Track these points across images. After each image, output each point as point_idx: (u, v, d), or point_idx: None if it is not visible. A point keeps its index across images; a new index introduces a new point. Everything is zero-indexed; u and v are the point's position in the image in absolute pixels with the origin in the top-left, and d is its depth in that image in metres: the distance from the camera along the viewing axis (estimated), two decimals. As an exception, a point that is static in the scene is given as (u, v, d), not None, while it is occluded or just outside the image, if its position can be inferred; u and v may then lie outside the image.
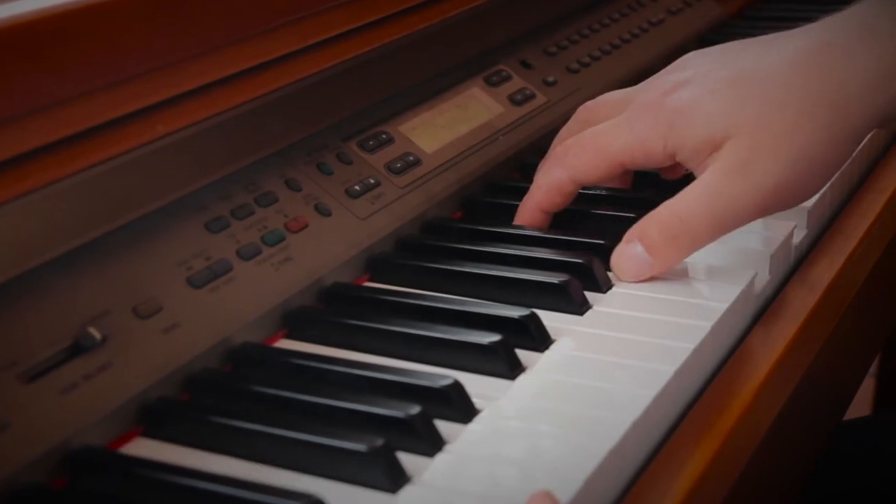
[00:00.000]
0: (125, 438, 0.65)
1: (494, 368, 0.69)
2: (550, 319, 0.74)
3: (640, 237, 0.79)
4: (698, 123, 0.79)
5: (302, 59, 0.84)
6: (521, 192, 0.94)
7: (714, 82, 0.80)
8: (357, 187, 0.85)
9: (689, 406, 0.69)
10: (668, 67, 0.86)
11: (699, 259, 0.79)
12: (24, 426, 0.60)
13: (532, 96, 1.05)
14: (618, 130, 0.83)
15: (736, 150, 0.77)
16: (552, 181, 0.86)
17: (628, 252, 0.79)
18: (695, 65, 0.83)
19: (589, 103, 0.90)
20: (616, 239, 0.80)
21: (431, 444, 0.62)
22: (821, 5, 1.44)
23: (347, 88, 0.89)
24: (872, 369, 1.83)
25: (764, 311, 0.79)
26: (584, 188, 0.87)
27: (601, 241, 0.82)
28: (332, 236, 0.80)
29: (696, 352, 0.70)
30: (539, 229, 0.86)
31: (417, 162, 0.91)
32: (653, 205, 0.79)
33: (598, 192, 0.91)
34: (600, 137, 0.84)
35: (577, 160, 0.85)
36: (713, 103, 0.79)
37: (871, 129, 0.79)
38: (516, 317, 0.72)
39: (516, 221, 0.88)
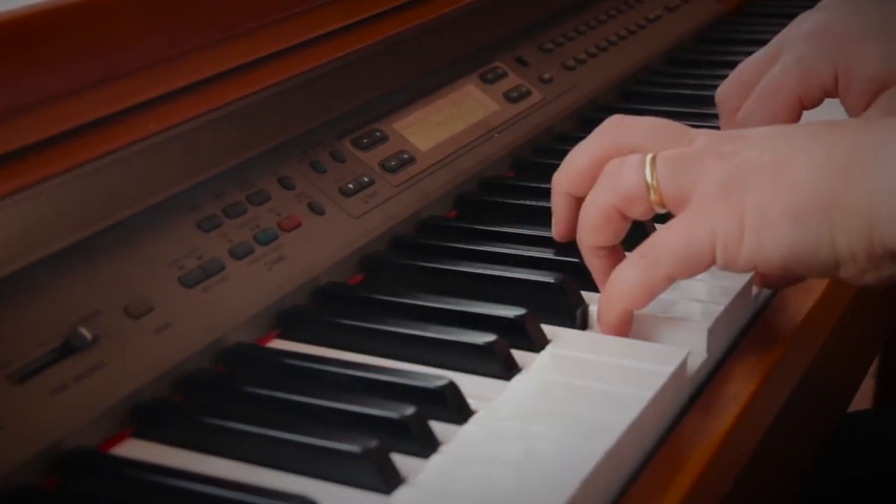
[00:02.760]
0: (117, 439, 0.64)
1: (489, 369, 0.69)
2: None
3: None
4: (871, 59, 0.82)
5: (295, 56, 0.83)
6: (517, 191, 0.94)
7: None
8: (351, 186, 0.84)
9: (688, 406, 0.69)
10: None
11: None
12: (14, 427, 0.60)
13: (528, 93, 1.05)
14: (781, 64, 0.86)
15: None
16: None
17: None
18: None
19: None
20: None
21: (426, 446, 0.61)
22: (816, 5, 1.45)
23: (341, 85, 0.88)
24: (872, 369, 1.83)
25: (762, 311, 0.79)
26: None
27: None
28: (325, 235, 0.80)
29: (694, 354, 0.70)
30: (536, 228, 0.86)
31: (412, 160, 0.90)
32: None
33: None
34: (768, 86, 0.87)
35: (760, 102, 0.86)
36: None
37: None
38: (512, 316, 0.72)
39: None
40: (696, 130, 0.73)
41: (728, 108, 0.90)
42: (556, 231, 0.79)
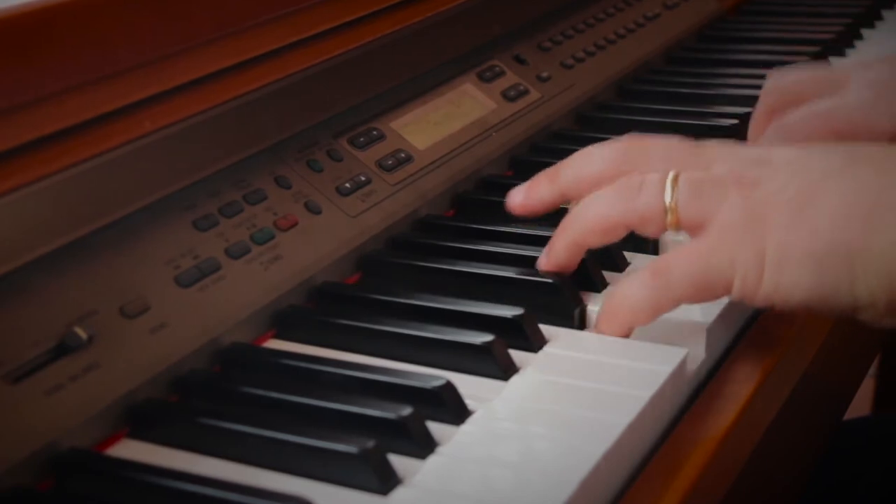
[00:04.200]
0: (112, 440, 0.64)
1: (487, 369, 0.68)
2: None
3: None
4: None
5: (292, 55, 0.83)
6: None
7: None
8: (348, 185, 0.84)
9: (687, 407, 0.68)
10: None
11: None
12: (9, 428, 0.60)
13: (526, 92, 1.04)
14: (842, 102, 0.85)
15: None
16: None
17: None
18: None
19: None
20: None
21: (423, 446, 0.61)
22: (815, 3, 1.45)
23: (338, 84, 0.88)
24: (872, 369, 1.83)
25: (761, 311, 0.78)
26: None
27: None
28: (322, 235, 0.80)
29: (693, 354, 0.70)
30: (533, 227, 0.85)
31: (409, 159, 0.90)
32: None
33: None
34: (822, 110, 0.85)
35: (792, 130, 0.85)
36: None
37: None
38: (510, 316, 0.72)
39: None
40: (712, 150, 0.72)
41: (770, 102, 0.89)
42: (524, 203, 0.78)
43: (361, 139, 0.89)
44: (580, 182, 0.75)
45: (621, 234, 0.73)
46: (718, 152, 0.72)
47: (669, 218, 0.69)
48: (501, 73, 1.04)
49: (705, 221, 0.68)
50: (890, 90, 0.84)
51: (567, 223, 0.74)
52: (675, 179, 0.69)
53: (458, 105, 0.98)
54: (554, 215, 0.83)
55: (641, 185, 0.70)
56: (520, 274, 0.77)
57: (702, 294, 0.68)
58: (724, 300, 0.73)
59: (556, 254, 0.75)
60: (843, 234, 0.64)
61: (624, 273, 0.80)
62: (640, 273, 0.69)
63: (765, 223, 0.66)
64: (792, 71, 0.90)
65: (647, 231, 0.71)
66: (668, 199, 0.69)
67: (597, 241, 0.73)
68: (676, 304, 0.69)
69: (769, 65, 1.10)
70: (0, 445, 0.59)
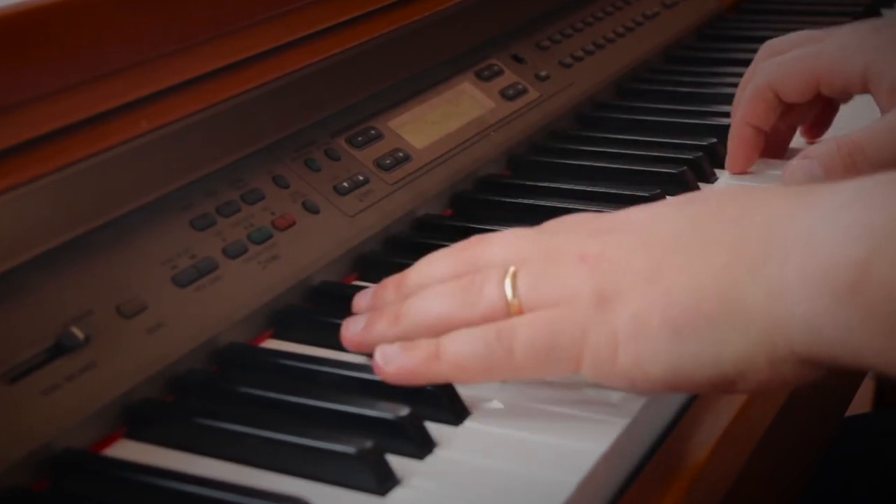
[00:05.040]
0: (109, 440, 0.64)
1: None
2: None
3: (817, 154, 0.82)
4: None
5: (289, 54, 0.83)
6: (514, 189, 0.93)
7: None
8: (345, 184, 0.84)
9: (687, 406, 0.68)
10: None
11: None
12: (5, 428, 0.59)
13: (524, 91, 1.04)
14: (822, 44, 0.88)
15: None
16: (752, 90, 0.89)
17: (805, 167, 0.83)
18: None
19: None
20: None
21: (421, 447, 0.61)
22: (815, 1, 1.44)
23: (336, 83, 0.88)
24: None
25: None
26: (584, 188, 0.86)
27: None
28: (319, 234, 0.80)
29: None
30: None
31: (407, 158, 0.90)
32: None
33: (592, 188, 0.90)
34: (803, 53, 0.89)
35: (779, 68, 0.89)
36: None
37: None
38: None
39: (729, 153, 0.92)
40: (554, 230, 0.67)
41: (761, 57, 0.94)
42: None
43: (359, 138, 0.88)
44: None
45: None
46: (558, 232, 0.66)
47: (514, 313, 0.62)
48: (500, 72, 1.04)
49: (556, 305, 0.62)
50: (862, 40, 0.87)
51: (401, 315, 0.67)
52: (515, 274, 0.63)
53: (457, 104, 0.98)
54: (553, 215, 0.83)
55: (483, 283, 0.64)
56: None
57: (544, 366, 0.61)
58: None
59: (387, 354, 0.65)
60: (702, 293, 0.58)
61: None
62: (481, 328, 0.62)
63: (617, 296, 0.60)
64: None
65: None
66: (509, 294, 0.63)
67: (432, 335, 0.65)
68: (513, 374, 0.62)
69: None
70: (-4, 446, 0.59)
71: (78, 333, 0.64)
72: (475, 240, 0.69)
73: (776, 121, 0.91)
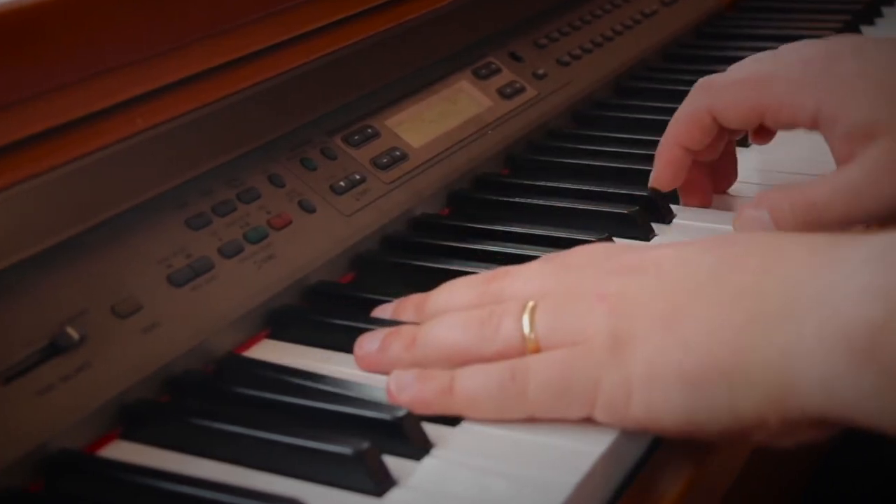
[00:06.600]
0: (104, 441, 0.64)
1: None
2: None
3: (770, 207, 0.77)
4: (864, 102, 0.76)
5: (285, 52, 0.83)
6: (512, 188, 0.93)
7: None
8: (342, 183, 0.84)
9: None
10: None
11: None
12: (0, 428, 0.59)
13: (522, 89, 1.04)
14: (772, 74, 0.82)
15: (891, 148, 0.74)
16: (690, 110, 0.84)
17: (755, 216, 0.78)
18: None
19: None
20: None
21: (418, 447, 0.61)
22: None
23: (332, 81, 0.88)
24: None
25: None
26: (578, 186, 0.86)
27: (591, 239, 0.81)
28: (316, 233, 0.79)
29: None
30: (529, 226, 0.85)
31: (404, 157, 0.89)
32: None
33: (590, 187, 0.90)
34: (748, 77, 0.83)
35: (722, 92, 0.83)
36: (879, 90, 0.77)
37: None
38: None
39: (655, 169, 0.87)
40: (575, 263, 0.67)
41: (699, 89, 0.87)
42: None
43: (356, 137, 0.88)
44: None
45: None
46: (582, 267, 0.66)
47: (530, 348, 0.63)
48: (497, 71, 1.04)
49: (572, 344, 0.61)
50: (817, 77, 0.80)
51: (417, 340, 0.67)
52: (534, 309, 0.63)
53: (454, 103, 0.98)
54: (557, 216, 0.83)
55: (502, 316, 0.64)
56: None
57: (557, 409, 0.61)
58: None
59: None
60: (719, 347, 0.57)
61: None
62: (493, 367, 0.63)
63: (632, 340, 0.59)
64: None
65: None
66: (526, 329, 0.63)
67: (443, 368, 0.65)
68: (526, 415, 0.62)
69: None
70: (-9, 446, 0.58)
71: (73, 333, 0.64)
72: (501, 272, 0.69)
73: (710, 143, 0.85)
